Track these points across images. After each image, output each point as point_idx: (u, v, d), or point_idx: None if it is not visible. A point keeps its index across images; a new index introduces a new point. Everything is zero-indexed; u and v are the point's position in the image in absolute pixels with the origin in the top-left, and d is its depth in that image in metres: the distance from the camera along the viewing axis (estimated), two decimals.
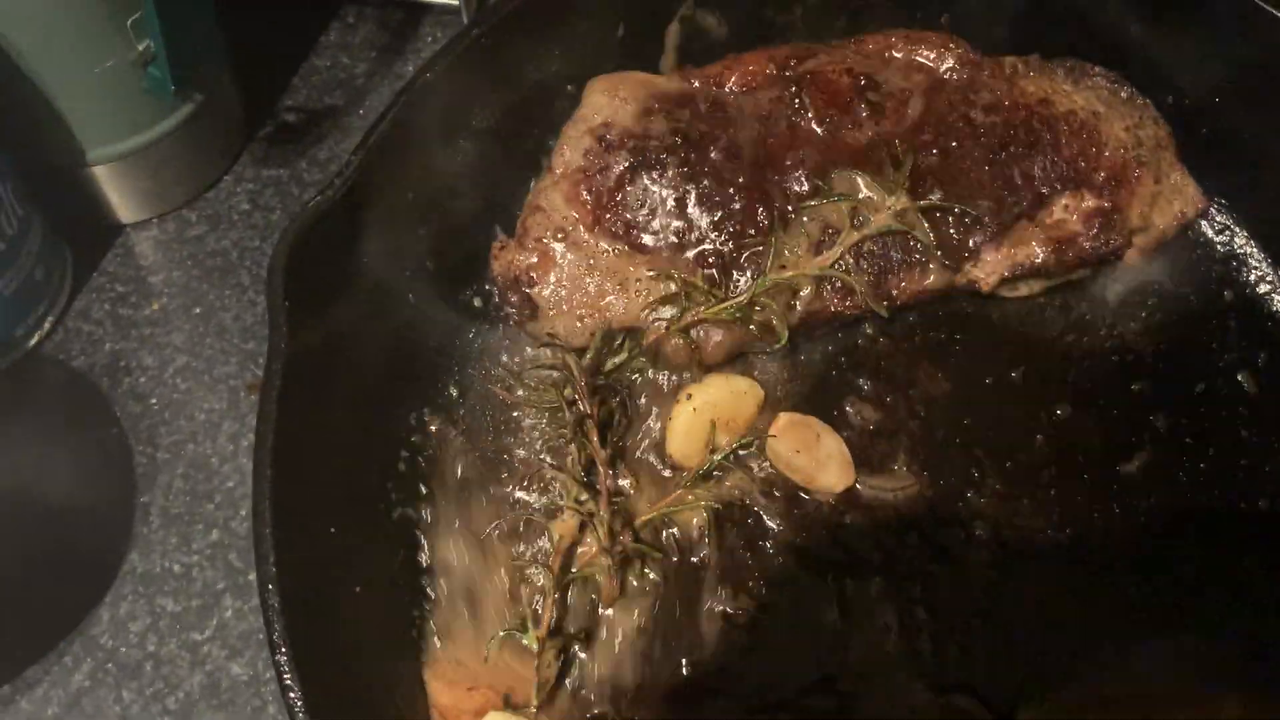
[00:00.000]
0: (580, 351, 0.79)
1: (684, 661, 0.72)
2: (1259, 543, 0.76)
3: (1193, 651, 0.73)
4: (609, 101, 0.80)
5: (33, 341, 0.88)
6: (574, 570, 0.73)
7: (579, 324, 0.79)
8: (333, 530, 0.69)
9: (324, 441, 0.70)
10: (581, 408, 0.75)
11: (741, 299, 0.78)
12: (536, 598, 0.73)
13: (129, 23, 0.80)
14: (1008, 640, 0.73)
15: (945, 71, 0.82)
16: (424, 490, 0.77)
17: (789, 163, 0.79)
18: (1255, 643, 0.73)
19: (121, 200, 0.93)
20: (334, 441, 0.71)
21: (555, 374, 0.79)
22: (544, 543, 0.75)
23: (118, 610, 0.80)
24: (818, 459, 0.77)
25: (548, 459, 0.78)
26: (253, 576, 0.79)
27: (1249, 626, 0.74)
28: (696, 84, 0.81)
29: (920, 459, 0.79)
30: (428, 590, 0.74)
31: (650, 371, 0.81)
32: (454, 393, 0.82)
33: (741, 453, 0.78)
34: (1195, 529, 0.77)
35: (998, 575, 0.75)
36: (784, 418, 0.79)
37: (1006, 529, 0.77)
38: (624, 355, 0.80)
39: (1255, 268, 0.87)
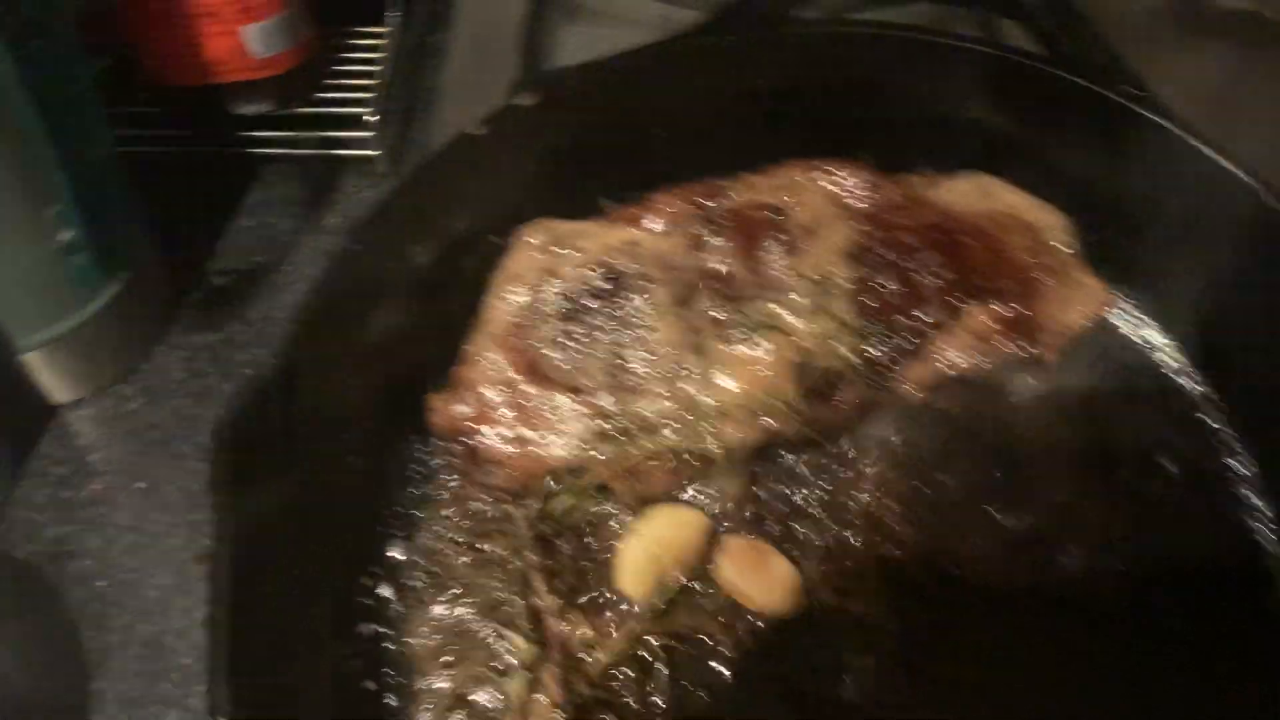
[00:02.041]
0: (524, 499, 0.80)
1: None
2: (1184, 617, 0.78)
3: None
4: (534, 250, 0.83)
5: None
6: None
7: (521, 470, 0.80)
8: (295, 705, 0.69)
9: (277, 618, 0.69)
10: (528, 557, 0.76)
11: (679, 433, 0.80)
12: None
13: (50, 216, 0.81)
14: None
15: (851, 194, 0.86)
16: (382, 655, 0.77)
17: (711, 297, 0.82)
18: None
19: (55, 382, 0.93)
20: (287, 616, 0.71)
21: (500, 526, 0.79)
22: (500, 700, 0.75)
23: None
24: (766, 582, 0.78)
25: (496, 616, 0.78)
26: None
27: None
28: (617, 227, 0.84)
29: (866, 572, 0.80)
30: None
31: (595, 511, 0.82)
32: (401, 554, 0.82)
33: (690, 583, 0.79)
34: (1128, 608, 0.79)
35: (952, 679, 0.76)
36: (731, 543, 0.80)
37: (953, 633, 0.78)
38: (569, 498, 0.81)
39: (1166, 353, 0.91)
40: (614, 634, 0.77)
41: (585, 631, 0.77)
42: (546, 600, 0.76)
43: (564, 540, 0.80)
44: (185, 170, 1.11)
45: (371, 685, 0.75)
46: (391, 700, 0.75)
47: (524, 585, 0.77)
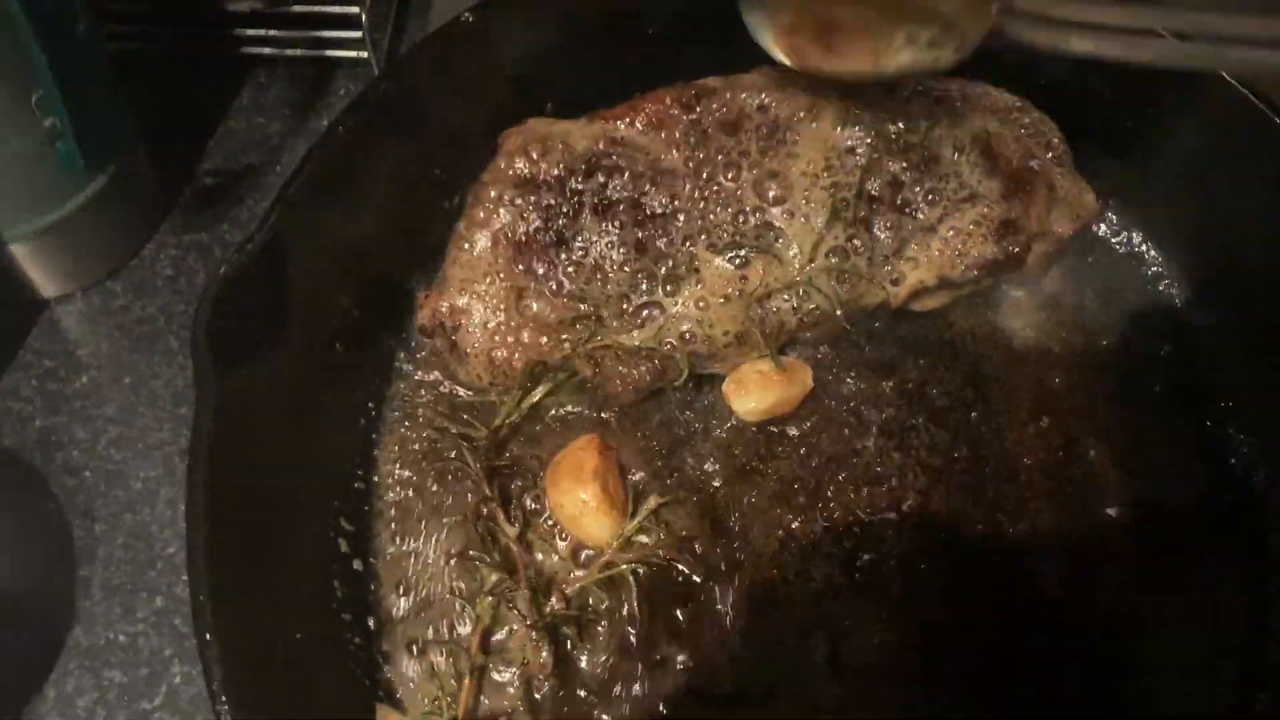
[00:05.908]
0: (504, 392, 0.82)
1: None
2: (1164, 536, 0.80)
3: None
4: (521, 150, 0.81)
5: None
6: (497, 651, 0.75)
7: (503, 364, 0.81)
8: (271, 585, 0.70)
9: (258, 498, 0.70)
10: (484, 490, 0.78)
11: (648, 333, 0.80)
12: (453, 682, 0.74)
13: (33, 101, 0.80)
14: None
15: (841, 100, 0.85)
16: (357, 560, 0.79)
17: (696, 195, 0.81)
18: None
19: (43, 276, 0.94)
20: (268, 497, 0.72)
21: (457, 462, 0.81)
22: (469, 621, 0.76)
23: (64, 687, 0.80)
24: (781, 388, 0.81)
25: (459, 541, 0.80)
26: None
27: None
28: (604, 127, 0.83)
29: (842, 483, 0.81)
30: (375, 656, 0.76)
31: (561, 431, 0.83)
32: (380, 451, 0.83)
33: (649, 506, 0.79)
34: (1113, 522, 0.80)
35: (909, 591, 0.78)
36: (743, 369, 0.82)
37: (922, 547, 0.79)
38: (542, 391, 0.82)
39: (1152, 264, 0.91)
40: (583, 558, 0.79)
41: (552, 552, 0.78)
42: (506, 528, 0.77)
43: (515, 475, 0.82)
44: (174, 70, 1.09)
45: (354, 571, 0.78)
46: (367, 598, 0.78)
47: (480, 515, 0.79)
